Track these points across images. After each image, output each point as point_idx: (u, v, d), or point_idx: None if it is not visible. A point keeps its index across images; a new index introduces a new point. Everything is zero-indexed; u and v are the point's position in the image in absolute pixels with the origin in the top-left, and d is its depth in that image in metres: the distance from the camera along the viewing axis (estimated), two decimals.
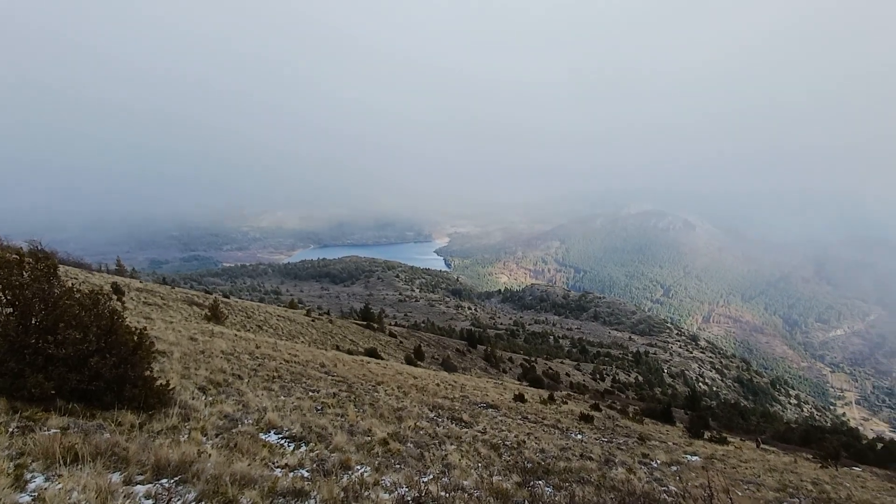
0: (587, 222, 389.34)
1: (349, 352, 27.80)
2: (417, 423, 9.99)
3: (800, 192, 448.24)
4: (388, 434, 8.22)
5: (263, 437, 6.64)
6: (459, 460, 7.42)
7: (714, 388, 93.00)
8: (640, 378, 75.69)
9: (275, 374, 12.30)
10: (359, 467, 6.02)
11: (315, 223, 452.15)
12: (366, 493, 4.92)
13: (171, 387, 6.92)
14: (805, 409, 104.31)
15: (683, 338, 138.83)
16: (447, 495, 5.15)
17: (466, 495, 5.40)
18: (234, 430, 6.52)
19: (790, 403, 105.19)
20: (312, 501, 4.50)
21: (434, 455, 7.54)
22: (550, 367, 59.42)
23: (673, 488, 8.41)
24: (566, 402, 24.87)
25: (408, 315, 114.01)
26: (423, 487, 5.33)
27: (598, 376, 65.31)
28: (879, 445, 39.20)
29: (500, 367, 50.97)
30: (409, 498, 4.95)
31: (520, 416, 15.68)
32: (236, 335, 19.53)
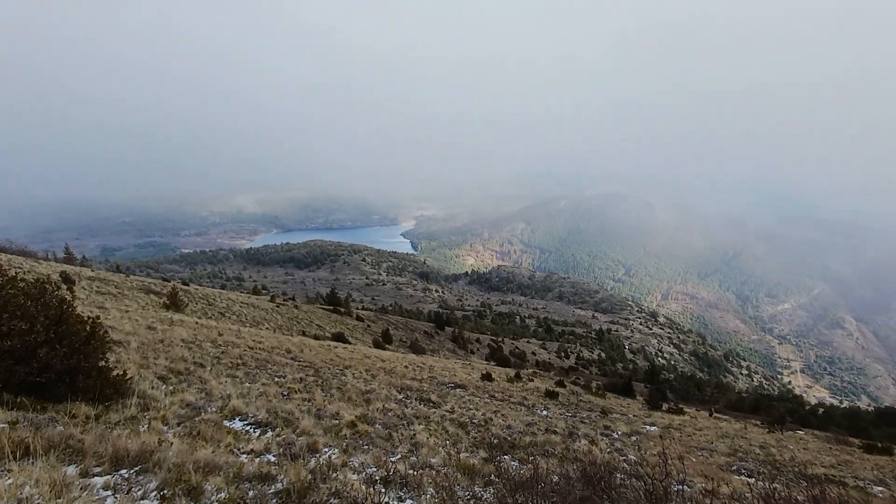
0: (551, 204, 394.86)
1: (316, 337, 27.54)
2: (386, 405, 10.05)
3: (751, 176, 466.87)
4: (356, 416, 8.24)
5: (228, 425, 6.54)
6: (427, 439, 7.52)
7: (672, 362, 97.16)
8: (603, 354, 78.21)
9: (239, 361, 12.08)
10: (327, 450, 6.03)
11: (277, 207, 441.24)
12: (334, 475, 4.94)
13: (128, 377, 6.69)
14: (755, 379, 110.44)
15: (643, 315, 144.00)
16: (415, 473, 5.22)
17: (434, 472, 5.49)
18: (197, 419, 6.39)
19: (742, 374, 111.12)
20: (279, 484, 4.48)
21: (402, 435, 7.62)
22: (517, 347, 60.60)
23: (632, 457, 8.80)
24: (532, 380, 25.48)
25: (375, 299, 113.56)
26: (391, 467, 5.39)
27: (562, 354, 67.07)
28: (820, 410, 42.13)
29: (468, 348, 51.62)
30: (377, 477, 4.99)
31: (487, 395, 15.98)
32: (197, 323, 19.01)
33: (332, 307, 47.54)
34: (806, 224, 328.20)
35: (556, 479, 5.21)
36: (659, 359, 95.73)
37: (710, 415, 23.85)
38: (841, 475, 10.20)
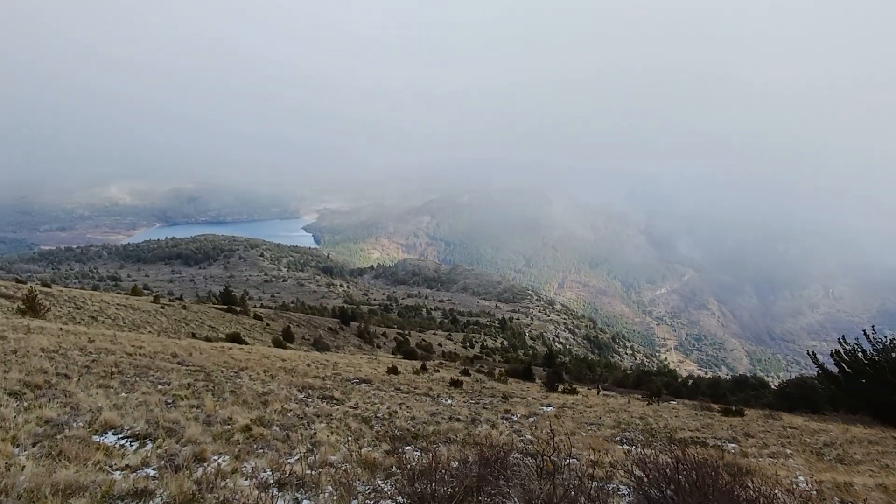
0: (456, 198, 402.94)
1: (208, 339, 25.61)
2: (285, 406, 9.62)
3: (621, 170, 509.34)
4: (251, 420, 7.79)
5: (98, 440, 5.85)
6: (328, 437, 7.33)
7: (567, 346, 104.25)
8: (506, 342, 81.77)
9: (114, 369, 10.85)
10: (216, 457, 5.63)
11: (159, 199, 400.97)
12: (222, 483, 4.63)
13: None
14: (637, 358, 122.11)
15: (542, 303, 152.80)
16: (313, 473, 5.06)
17: (334, 470, 5.36)
18: (58, 437, 5.64)
19: (627, 354, 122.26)
20: (158, 500, 4.10)
21: (301, 435, 7.35)
22: (424, 339, 61.29)
23: (528, 436, 9.30)
24: (438, 371, 25.91)
25: (275, 296, 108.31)
26: (287, 468, 5.17)
27: (467, 344, 69.06)
28: (690, 382, 47.58)
29: (374, 343, 51.20)
30: (271, 481, 4.77)
31: (393, 388, 15.96)
32: (62, 329, 16.77)
33: (226, 306, 44.50)
34: (673, 217, 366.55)
35: (455, 464, 5.34)
36: (556, 344, 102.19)
37: (598, 392, 25.95)
38: (703, 437, 11.62)
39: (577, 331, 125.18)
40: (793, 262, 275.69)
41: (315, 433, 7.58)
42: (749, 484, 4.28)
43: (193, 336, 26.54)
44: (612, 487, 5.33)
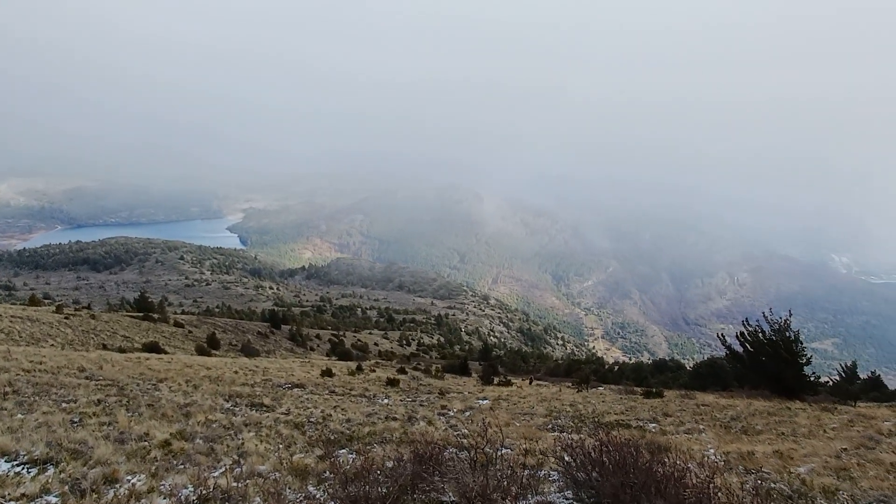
0: (390, 195, 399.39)
1: (121, 350, 23.69)
2: (209, 417, 9.09)
3: (559, 175, 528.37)
4: (171, 434, 7.28)
5: None
6: (257, 446, 7.01)
7: (502, 340, 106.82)
8: (442, 339, 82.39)
9: (8, 388, 9.75)
10: (129, 477, 5.20)
11: (59, 199, 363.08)
12: None
13: None
14: (568, 347, 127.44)
15: (477, 299, 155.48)
16: (239, 485, 4.81)
17: (262, 480, 5.13)
18: None
19: (558, 344, 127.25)
20: None
21: (228, 446, 6.97)
22: (359, 339, 60.35)
23: (464, 430, 9.42)
24: (374, 371, 25.62)
25: (198, 301, 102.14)
26: (211, 483, 4.88)
27: (404, 342, 68.85)
28: (616, 368, 50.43)
29: (308, 345, 49.74)
30: (193, 497, 4.48)
31: (327, 391, 15.58)
32: None
33: (142, 314, 41.33)
34: (596, 214, 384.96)
35: (390, 464, 5.29)
36: (491, 338, 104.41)
37: (532, 383, 26.84)
38: (627, 419, 12.34)
39: (510, 324, 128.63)
40: (701, 253, 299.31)
41: (243, 443, 7.23)
42: (666, 460, 4.58)
43: (104, 347, 24.42)
44: (543, 474, 5.52)
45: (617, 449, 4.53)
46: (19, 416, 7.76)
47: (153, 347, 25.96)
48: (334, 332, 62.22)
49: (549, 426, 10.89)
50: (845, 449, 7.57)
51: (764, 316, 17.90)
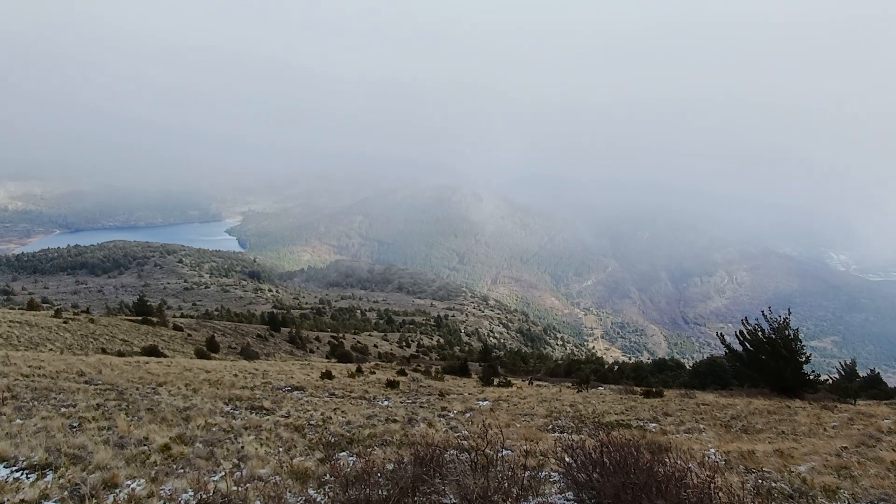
0: (388, 196, 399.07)
1: (120, 354, 23.63)
2: (209, 420, 9.08)
3: (550, 175, 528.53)
4: (170, 438, 7.27)
5: None
6: (257, 450, 7.00)
7: (502, 340, 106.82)
8: (442, 340, 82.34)
9: (6, 393, 9.73)
10: (129, 482, 5.19)
11: (57, 203, 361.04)
12: None
13: None
14: (568, 348, 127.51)
15: (476, 299, 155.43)
16: (239, 489, 4.80)
17: (262, 484, 5.12)
18: None
19: (558, 344, 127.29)
20: None
21: (228, 450, 6.96)
22: (359, 341, 60.28)
23: (465, 432, 9.42)
24: (374, 373, 25.59)
25: (197, 304, 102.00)
26: (211, 487, 4.86)
27: (404, 343, 68.80)
28: (615, 368, 50.43)
29: (307, 348, 49.69)
30: (193, 502, 4.46)
31: (327, 394, 15.56)
32: None
33: (141, 317, 41.27)
34: (593, 213, 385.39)
35: (391, 466, 5.28)
36: (491, 338, 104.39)
37: (532, 384, 26.82)
38: (627, 419, 12.34)
39: (510, 325, 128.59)
40: (700, 252, 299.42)
41: (243, 447, 7.21)
42: (667, 460, 4.58)
43: (103, 351, 24.38)
44: (544, 475, 5.51)
45: (617, 449, 4.52)
46: (18, 421, 7.74)
47: (152, 351, 25.92)
48: (334, 335, 62.19)
49: (550, 427, 10.88)
50: (846, 447, 7.57)
51: (763, 314, 17.92)
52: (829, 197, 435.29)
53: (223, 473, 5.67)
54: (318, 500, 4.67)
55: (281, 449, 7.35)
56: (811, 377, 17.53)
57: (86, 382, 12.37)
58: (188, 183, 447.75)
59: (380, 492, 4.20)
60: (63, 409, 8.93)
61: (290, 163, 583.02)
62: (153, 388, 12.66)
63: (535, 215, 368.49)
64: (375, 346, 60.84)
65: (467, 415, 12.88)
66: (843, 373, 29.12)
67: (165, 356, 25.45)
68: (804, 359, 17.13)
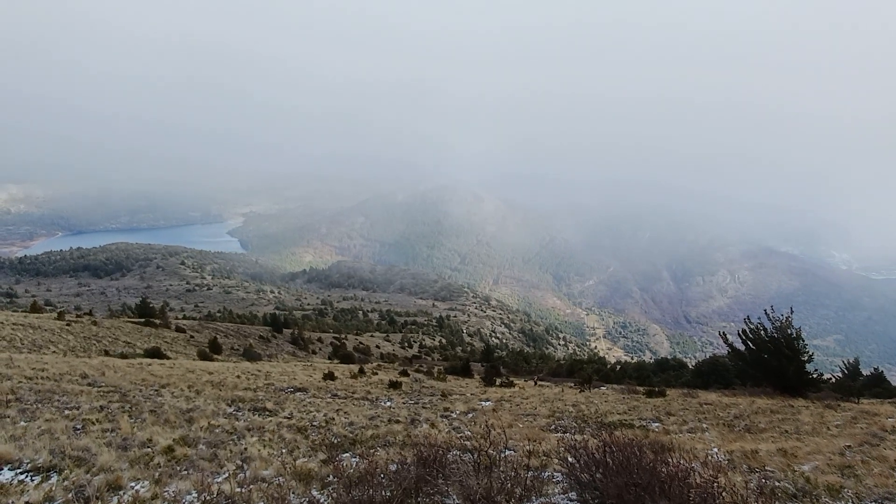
0: (389, 197, 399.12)
1: (123, 356, 23.67)
2: (212, 422, 9.09)
3: (545, 175, 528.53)
4: (174, 440, 7.28)
5: None
6: (260, 451, 7.01)
7: (504, 341, 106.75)
8: (444, 340, 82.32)
9: (10, 396, 9.75)
10: (133, 484, 5.20)
11: (60, 205, 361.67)
12: None
13: None
14: (570, 347, 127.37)
15: (478, 300, 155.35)
16: (243, 490, 4.81)
17: (266, 485, 5.13)
18: None
19: (560, 344, 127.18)
20: None
21: (231, 451, 6.97)
22: (361, 342, 60.31)
23: (468, 432, 9.42)
24: (376, 373, 25.60)
25: (199, 306, 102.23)
26: (214, 488, 4.88)
27: (406, 344, 68.82)
28: (618, 367, 50.33)
29: (310, 349, 49.75)
30: (196, 503, 4.47)
31: (329, 395, 15.57)
32: None
33: (144, 319, 41.36)
34: (592, 213, 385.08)
35: (394, 467, 5.28)
36: (493, 339, 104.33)
37: (536, 384, 26.81)
38: (630, 419, 12.33)
39: (512, 325, 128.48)
40: (702, 251, 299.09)
41: (246, 448, 7.22)
42: (670, 460, 4.58)
43: (106, 353, 24.43)
44: (547, 475, 5.51)
45: (620, 449, 4.52)
46: (22, 423, 7.77)
47: (155, 353, 25.97)
48: (336, 336, 62.23)
49: (553, 427, 10.87)
50: (849, 446, 7.56)
51: (765, 313, 17.88)
52: (830, 197, 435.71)
53: (227, 475, 5.68)
54: (322, 501, 4.68)
55: (284, 450, 7.36)
56: (814, 376, 17.50)
57: (89, 385, 12.40)
58: (189, 184, 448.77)
59: (383, 493, 4.20)
60: (67, 412, 8.96)
61: (288, 164, 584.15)
62: (156, 390, 12.69)
63: (536, 216, 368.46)
64: (378, 346, 60.87)
65: (470, 415, 12.88)
66: (846, 371, 29.05)
67: (168, 358, 25.49)
68: (807, 358, 17.09)
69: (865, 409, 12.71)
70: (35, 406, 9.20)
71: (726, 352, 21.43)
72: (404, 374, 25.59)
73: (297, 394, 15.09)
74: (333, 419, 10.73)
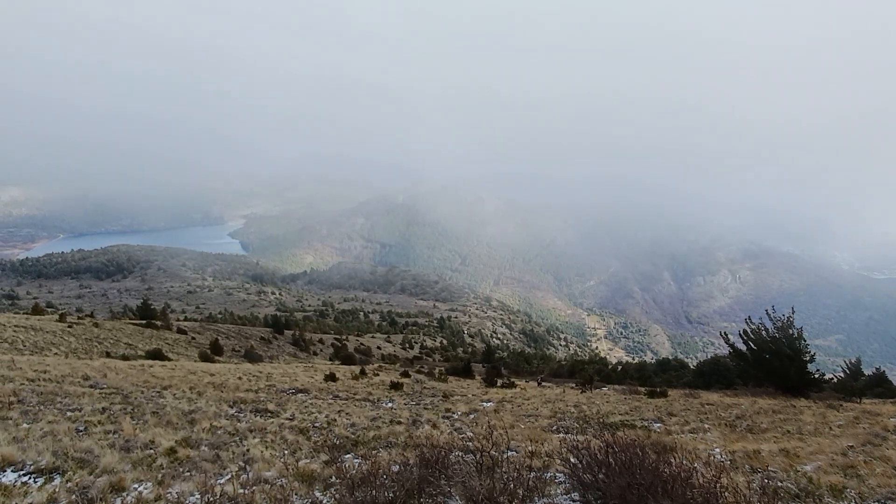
0: (389, 199, 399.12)
1: (125, 357, 23.70)
2: (214, 423, 9.11)
3: (543, 176, 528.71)
4: (176, 441, 7.30)
5: None
6: (262, 452, 7.02)
7: (505, 341, 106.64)
8: (445, 341, 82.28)
9: (12, 398, 9.77)
10: (136, 486, 5.21)
11: (60, 207, 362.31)
12: None
13: None
14: (571, 348, 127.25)
15: (479, 301, 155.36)
16: (245, 492, 4.82)
17: (269, 486, 5.14)
18: None
19: (561, 345, 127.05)
20: None
21: (233, 453, 6.98)
22: (362, 343, 60.32)
23: (469, 433, 9.42)
24: (378, 374, 25.61)
25: (200, 307, 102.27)
26: (217, 490, 4.88)
27: (407, 345, 68.81)
28: (619, 368, 50.28)
29: (311, 350, 49.76)
30: None
31: (331, 396, 15.58)
32: None
33: (145, 321, 41.41)
34: (591, 213, 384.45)
35: (396, 468, 5.29)
36: (494, 339, 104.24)
37: (539, 384, 26.80)
38: (632, 419, 12.32)
39: (513, 326, 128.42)
40: (703, 251, 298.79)
41: (248, 449, 7.23)
42: (672, 460, 4.58)
43: (108, 355, 24.46)
44: (550, 476, 5.51)
45: (622, 450, 4.52)
46: (25, 425, 7.78)
47: (157, 355, 26.00)
48: (337, 337, 62.24)
49: (554, 428, 10.87)
50: (852, 446, 7.55)
51: (767, 313, 17.86)
52: (831, 196, 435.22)
53: (229, 476, 5.69)
54: (324, 502, 4.69)
55: (286, 451, 7.37)
56: (816, 376, 17.48)
57: (91, 386, 12.42)
58: (190, 186, 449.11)
59: (385, 493, 4.21)
60: (69, 413, 8.97)
61: (288, 165, 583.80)
62: (158, 392, 12.70)
63: (537, 216, 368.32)
64: (379, 347, 60.88)
65: (471, 416, 12.88)
66: (847, 371, 28.99)
67: (170, 359, 25.52)
68: (808, 357, 17.07)
69: (868, 408, 12.70)
70: (37, 408, 9.21)
71: (728, 352, 21.40)
72: (405, 375, 25.60)
73: (299, 395, 15.10)
74: (335, 420, 10.73)
